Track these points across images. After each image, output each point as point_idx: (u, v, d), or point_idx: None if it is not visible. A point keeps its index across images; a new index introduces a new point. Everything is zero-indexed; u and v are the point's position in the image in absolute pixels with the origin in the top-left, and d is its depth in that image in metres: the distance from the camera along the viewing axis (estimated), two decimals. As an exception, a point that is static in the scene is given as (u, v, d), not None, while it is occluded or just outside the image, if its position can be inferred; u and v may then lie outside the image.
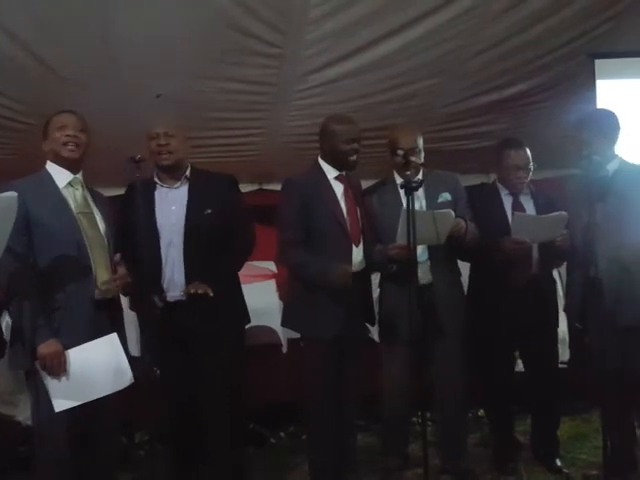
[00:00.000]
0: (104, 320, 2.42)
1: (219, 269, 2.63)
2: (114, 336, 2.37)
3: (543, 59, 3.57)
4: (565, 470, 3.00)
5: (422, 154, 2.88)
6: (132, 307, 2.75)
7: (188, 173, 2.74)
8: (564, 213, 2.74)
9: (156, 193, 2.71)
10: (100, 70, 2.93)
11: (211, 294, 2.53)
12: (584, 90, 3.56)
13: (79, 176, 2.51)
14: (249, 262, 4.02)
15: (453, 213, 2.68)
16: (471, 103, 3.79)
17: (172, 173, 2.70)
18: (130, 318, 2.95)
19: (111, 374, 2.35)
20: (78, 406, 2.29)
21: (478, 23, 3.20)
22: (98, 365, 2.32)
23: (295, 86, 3.32)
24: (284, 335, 3.75)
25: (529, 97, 3.82)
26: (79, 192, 2.49)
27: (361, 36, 3.10)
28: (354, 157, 2.76)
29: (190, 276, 2.60)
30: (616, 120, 2.80)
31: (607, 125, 2.79)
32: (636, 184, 2.71)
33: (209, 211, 2.65)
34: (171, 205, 2.68)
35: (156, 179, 2.73)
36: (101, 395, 2.32)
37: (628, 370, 2.71)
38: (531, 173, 3.01)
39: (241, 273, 3.83)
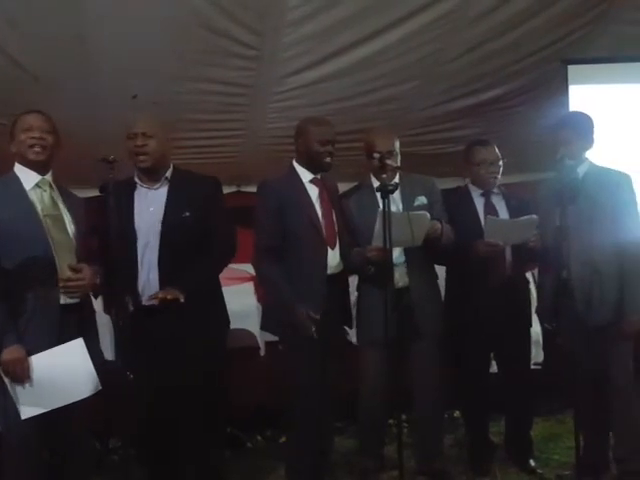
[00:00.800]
0: (72, 324, 2.38)
1: (196, 273, 2.59)
2: (80, 342, 2.33)
3: (519, 64, 3.63)
4: (539, 470, 3.03)
5: (398, 157, 2.89)
6: (106, 310, 2.71)
7: (169, 174, 2.68)
8: (534, 216, 2.78)
9: (136, 194, 2.66)
10: (74, 70, 2.89)
11: (182, 300, 2.48)
12: (557, 95, 3.63)
13: (47, 177, 2.47)
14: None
15: (429, 215, 2.70)
16: (448, 107, 3.83)
17: (152, 174, 2.66)
18: (105, 321, 2.92)
19: (77, 380, 2.30)
20: (48, 412, 2.25)
21: (455, 27, 3.24)
22: (64, 371, 2.27)
23: (273, 88, 3.32)
24: (262, 338, 3.74)
25: (505, 101, 3.87)
26: (47, 194, 2.45)
27: (339, 39, 3.12)
28: (328, 159, 2.76)
29: (164, 279, 2.56)
30: (593, 124, 2.85)
31: (585, 127, 2.84)
32: (605, 187, 2.76)
33: (187, 214, 2.60)
34: (149, 206, 2.63)
35: (136, 179, 2.68)
36: (68, 402, 2.27)
37: (599, 371, 2.75)
38: (501, 169, 3.04)
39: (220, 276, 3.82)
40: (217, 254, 2.69)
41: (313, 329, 2.57)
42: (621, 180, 2.78)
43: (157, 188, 2.66)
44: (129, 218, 2.59)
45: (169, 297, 2.48)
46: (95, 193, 2.53)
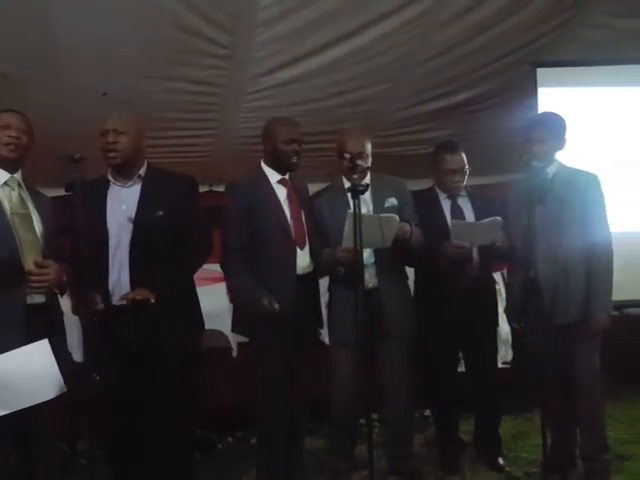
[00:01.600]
0: (39, 325, 2.33)
1: (168, 273, 2.55)
2: (45, 342, 2.28)
3: (489, 67, 3.68)
4: (507, 469, 3.06)
5: (369, 159, 2.91)
6: (74, 311, 2.68)
7: (143, 172, 2.64)
8: (498, 218, 2.82)
9: (108, 192, 2.61)
10: (43, 68, 2.86)
11: (152, 300, 2.45)
12: (527, 98, 3.68)
13: (17, 176, 2.43)
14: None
15: (398, 218, 2.72)
16: (420, 109, 3.87)
17: (124, 172, 2.61)
18: (74, 321, 2.89)
19: (41, 382, 2.26)
20: (12, 414, 2.21)
21: (426, 31, 3.28)
22: (28, 372, 2.23)
23: (246, 88, 3.31)
24: (234, 339, 3.73)
25: (475, 104, 3.92)
26: (15, 192, 2.41)
27: (312, 40, 3.13)
28: (295, 159, 2.76)
29: (135, 279, 2.52)
30: (565, 125, 2.89)
31: (558, 128, 2.88)
32: (574, 187, 2.80)
33: (160, 213, 2.56)
34: (122, 204, 2.59)
35: (109, 177, 2.64)
36: (31, 404, 2.23)
37: (567, 369, 2.79)
38: (467, 176, 3.07)
39: (192, 276, 3.79)
40: (191, 254, 2.66)
41: (276, 306, 2.57)
42: (590, 181, 2.82)
43: (130, 186, 2.62)
44: (101, 216, 2.55)
45: (138, 297, 2.45)
46: (59, 193, 2.49)
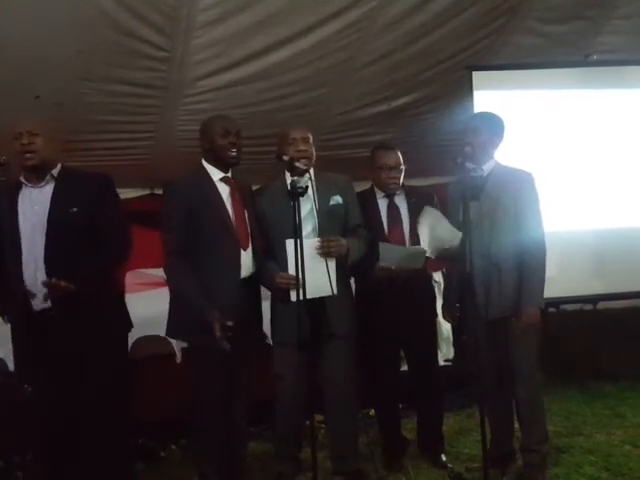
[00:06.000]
0: None
1: (85, 267, 2.50)
2: None
3: (427, 72, 3.76)
4: (449, 465, 3.11)
5: (313, 148, 2.87)
6: (5, 319, 2.59)
7: (55, 172, 2.61)
8: (423, 248, 2.90)
9: (20, 194, 2.57)
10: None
11: (72, 287, 2.40)
12: (464, 101, 3.77)
13: None
14: (139, 270, 3.93)
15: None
16: (361, 113, 3.92)
17: (37, 173, 2.58)
18: (8, 330, 2.78)
19: None
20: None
21: (365, 35, 3.32)
22: None
23: (185, 90, 3.29)
24: (178, 345, 3.66)
25: (415, 108, 4.00)
26: None
27: (251, 43, 3.14)
28: (234, 151, 2.71)
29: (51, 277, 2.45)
30: (504, 126, 2.95)
31: (497, 125, 2.94)
32: (508, 185, 2.87)
33: (74, 209, 2.53)
34: (34, 205, 2.56)
35: (22, 179, 2.60)
36: None
37: (504, 363, 2.86)
38: (403, 174, 3.11)
39: (131, 281, 3.69)
40: (109, 252, 2.62)
41: (225, 340, 2.48)
42: (524, 179, 2.89)
43: (42, 186, 2.59)
44: (13, 218, 2.51)
45: (62, 284, 2.39)
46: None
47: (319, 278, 2.59)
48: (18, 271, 2.48)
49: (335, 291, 2.64)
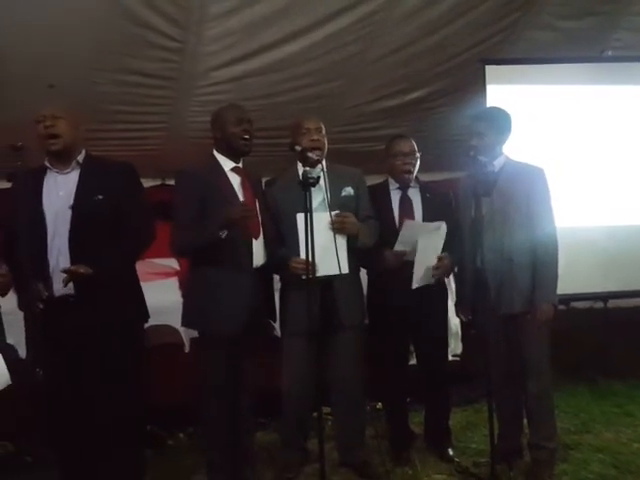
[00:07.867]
0: None
1: (108, 255, 2.49)
2: None
3: (441, 66, 3.75)
4: (456, 459, 3.11)
5: (325, 139, 2.90)
6: (20, 306, 2.61)
7: (80, 158, 2.58)
8: (443, 223, 2.88)
9: (45, 178, 2.55)
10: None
11: (91, 272, 2.39)
12: (477, 95, 3.75)
13: None
14: (150, 259, 3.94)
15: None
16: (374, 106, 3.91)
17: (62, 158, 2.55)
18: (20, 318, 2.81)
19: None
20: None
21: (379, 28, 3.31)
22: None
23: (197, 82, 3.29)
24: (186, 334, 3.69)
25: (428, 102, 3.98)
26: None
27: (264, 35, 3.13)
28: (246, 139, 2.72)
29: (75, 265, 2.43)
30: (510, 120, 2.94)
31: (502, 122, 2.92)
32: (519, 180, 2.85)
33: (100, 197, 2.51)
34: (59, 190, 2.53)
35: (47, 164, 2.57)
36: None
37: (511, 359, 2.85)
38: (417, 162, 3.10)
39: (142, 271, 3.70)
40: (133, 240, 2.61)
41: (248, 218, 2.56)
42: (535, 174, 2.87)
43: (68, 172, 2.56)
44: (37, 204, 2.49)
45: (82, 270, 2.37)
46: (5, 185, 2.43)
47: (329, 255, 2.59)
48: (43, 255, 2.47)
49: (346, 269, 2.65)
